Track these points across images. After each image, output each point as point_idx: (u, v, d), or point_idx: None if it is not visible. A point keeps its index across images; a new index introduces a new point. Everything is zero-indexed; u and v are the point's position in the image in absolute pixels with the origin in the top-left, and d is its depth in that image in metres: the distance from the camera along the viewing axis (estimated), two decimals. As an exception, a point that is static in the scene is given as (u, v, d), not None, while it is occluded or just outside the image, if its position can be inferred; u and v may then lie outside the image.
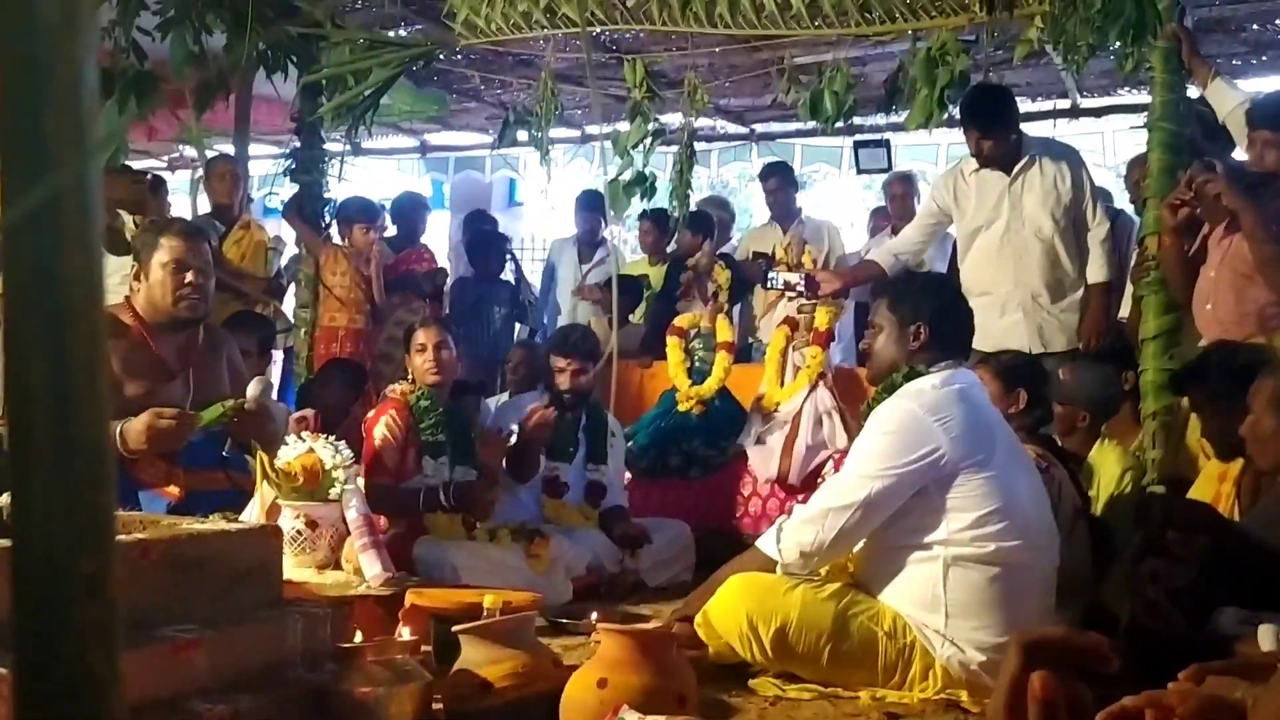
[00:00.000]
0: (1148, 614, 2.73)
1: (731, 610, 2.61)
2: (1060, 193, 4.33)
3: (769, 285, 4.95)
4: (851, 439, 4.46)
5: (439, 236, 7.57)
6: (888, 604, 2.61)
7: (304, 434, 2.80)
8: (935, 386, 2.65)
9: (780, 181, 6.70)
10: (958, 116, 4.55)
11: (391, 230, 6.49)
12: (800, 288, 4.84)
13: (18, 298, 0.28)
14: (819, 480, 4.15)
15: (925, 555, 2.56)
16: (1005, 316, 4.43)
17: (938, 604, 2.54)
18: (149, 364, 3.12)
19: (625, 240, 7.22)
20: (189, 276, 3.11)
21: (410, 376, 3.95)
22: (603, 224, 7.12)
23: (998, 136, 4.33)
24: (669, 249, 6.55)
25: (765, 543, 2.71)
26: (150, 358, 3.13)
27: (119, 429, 2.83)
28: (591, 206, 7.13)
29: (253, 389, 2.92)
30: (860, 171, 7.84)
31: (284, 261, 6.21)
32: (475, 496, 3.65)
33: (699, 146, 7.64)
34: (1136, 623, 2.75)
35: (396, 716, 1.94)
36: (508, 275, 6.98)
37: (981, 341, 4.50)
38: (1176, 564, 2.86)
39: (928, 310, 2.81)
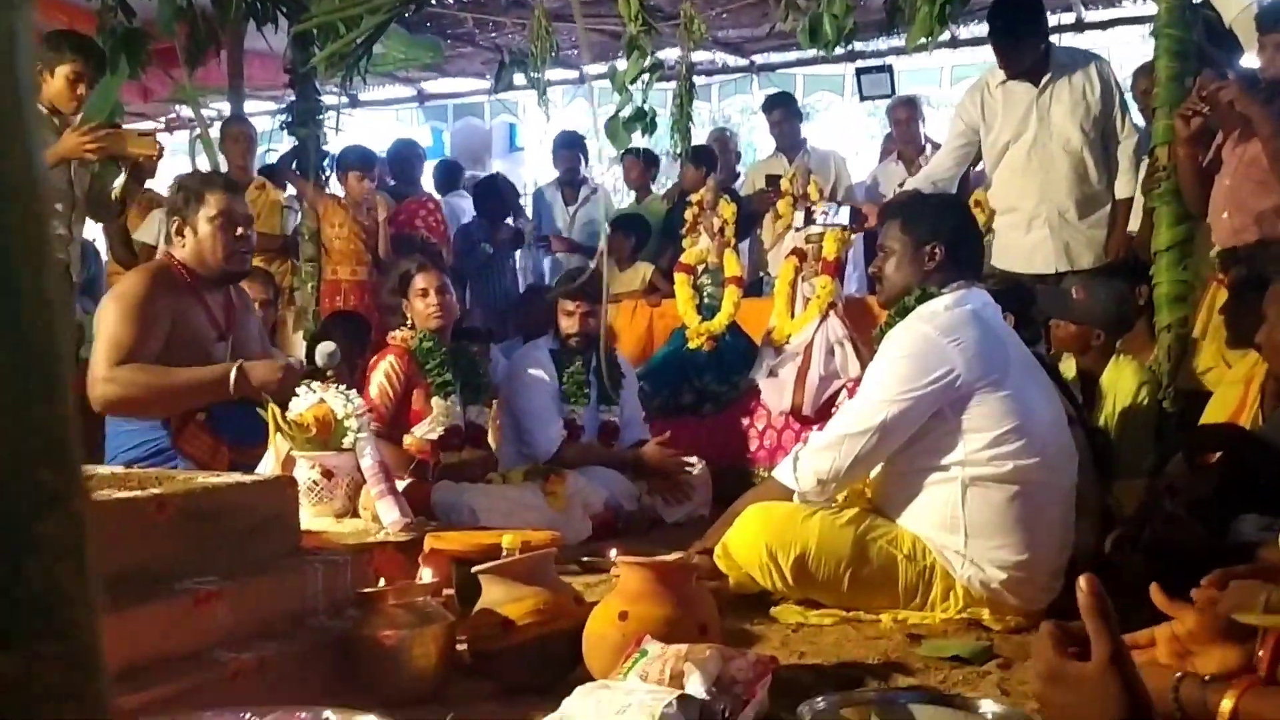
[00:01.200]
0: (1167, 527, 2.72)
1: (750, 541, 2.61)
2: (1089, 103, 4.27)
3: (815, 222, 4.90)
4: (864, 367, 4.45)
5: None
6: (906, 527, 2.61)
7: (314, 385, 2.79)
8: (948, 307, 2.62)
9: (784, 113, 6.62)
10: (959, 36, 4.47)
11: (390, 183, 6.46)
12: (845, 221, 4.82)
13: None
14: (833, 411, 4.13)
15: (943, 477, 2.55)
16: (1031, 233, 4.39)
17: (957, 525, 2.54)
18: (202, 321, 3.16)
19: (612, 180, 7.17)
20: (238, 230, 3.15)
21: (410, 322, 3.94)
22: (583, 163, 7.06)
23: (1025, 46, 4.25)
24: (654, 186, 6.51)
25: (782, 472, 2.70)
26: (204, 315, 3.18)
27: (235, 367, 2.95)
28: (570, 146, 7.07)
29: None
30: (864, 98, 7.73)
31: (297, 219, 6.19)
32: (473, 475, 3.67)
33: (699, 81, 7.52)
34: (1156, 536, 2.75)
35: (421, 658, 1.95)
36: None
37: (1006, 260, 4.50)
38: (1195, 477, 2.85)
39: (945, 230, 2.76)
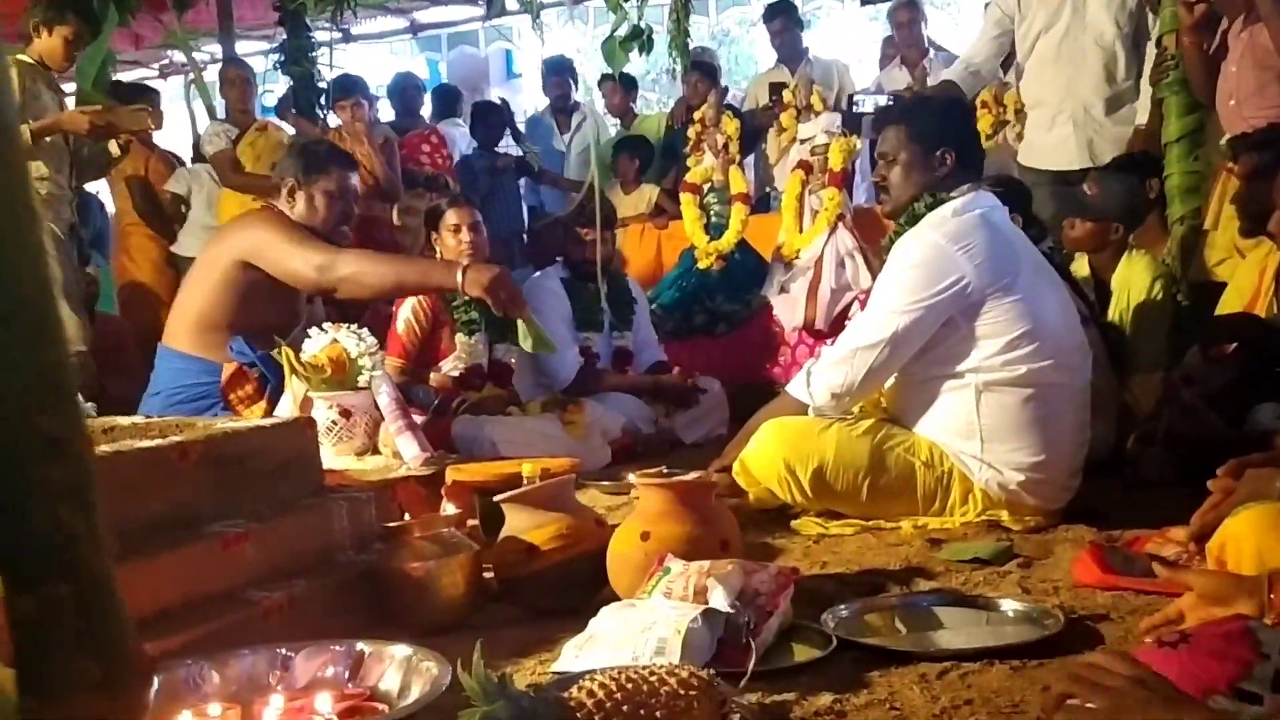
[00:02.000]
0: (1184, 418, 2.73)
1: (768, 456, 2.63)
2: None
3: (856, 107, 4.84)
4: (875, 278, 4.43)
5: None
6: (923, 435, 2.62)
7: (325, 326, 2.80)
8: (956, 212, 2.58)
9: (784, 22, 6.50)
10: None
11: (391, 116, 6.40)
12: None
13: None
14: (846, 323, 4.12)
15: (957, 384, 2.55)
16: (1055, 130, 4.34)
17: (973, 430, 2.54)
18: None
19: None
20: (347, 207, 3.40)
21: (439, 256, 3.93)
22: (574, 88, 6.97)
23: None
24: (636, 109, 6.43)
25: (795, 387, 2.70)
26: None
27: (462, 270, 3.08)
28: (559, 72, 6.98)
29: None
30: (864, 2, 7.58)
31: None
32: (492, 408, 3.69)
33: (695, -6, 7.37)
34: (1174, 428, 2.75)
35: (449, 587, 1.98)
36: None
37: (1031, 157, 4.45)
38: (1212, 367, 2.85)
39: (953, 133, 2.70)
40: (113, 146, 4.37)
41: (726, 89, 6.18)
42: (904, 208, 2.68)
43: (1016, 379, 2.51)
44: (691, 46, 7.15)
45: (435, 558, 1.99)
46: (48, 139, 4.15)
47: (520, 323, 2.95)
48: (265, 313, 3.17)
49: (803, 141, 5.19)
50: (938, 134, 2.67)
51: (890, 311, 2.55)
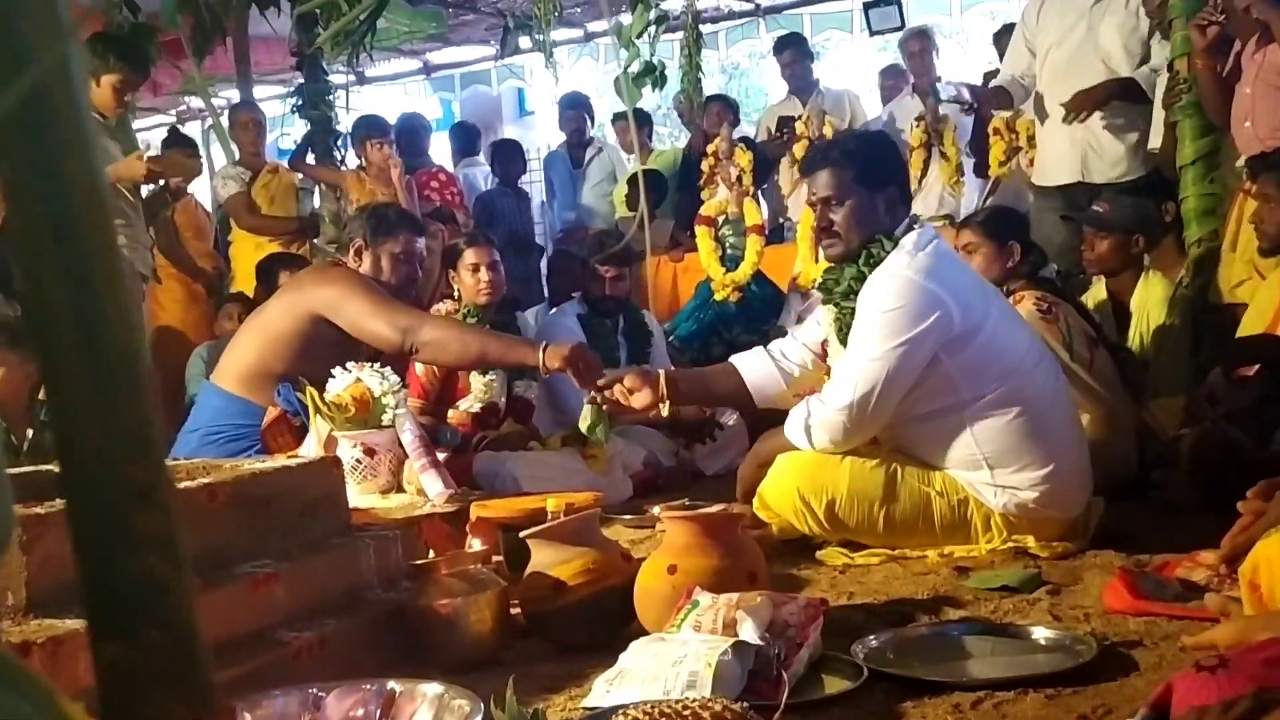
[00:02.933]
0: (1209, 439, 2.71)
1: (783, 487, 2.62)
2: (1140, 22, 4.23)
3: (941, 98, 4.83)
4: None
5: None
6: (933, 465, 2.60)
7: (350, 365, 2.82)
8: (918, 247, 2.53)
9: (794, 54, 6.55)
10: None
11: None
12: (966, 97, 4.84)
13: (22, 204, 0.28)
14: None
15: (950, 421, 2.52)
16: (1056, 143, 4.43)
17: (977, 460, 2.52)
18: (355, 343, 3.26)
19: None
20: (412, 272, 3.45)
21: (456, 294, 3.95)
22: (589, 124, 7.04)
23: None
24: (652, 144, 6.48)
25: (794, 434, 2.63)
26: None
27: (542, 348, 3.06)
28: (574, 107, 7.05)
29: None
30: (873, 33, 7.63)
31: (317, 201, 6.22)
32: (512, 444, 3.70)
33: (705, 29, 7.45)
34: (1198, 448, 2.74)
35: (477, 624, 1.98)
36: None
37: (1038, 175, 4.55)
38: (1235, 388, 2.84)
39: (893, 170, 2.71)
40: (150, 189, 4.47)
41: (737, 122, 6.24)
42: (855, 252, 2.59)
43: (1000, 401, 2.50)
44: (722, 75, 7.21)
45: (463, 594, 1.99)
46: (122, 189, 4.24)
47: (587, 405, 2.82)
48: (325, 367, 3.14)
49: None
50: (885, 173, 2.64)
51: (873, 359, 2.48)
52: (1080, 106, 4.23)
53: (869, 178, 2.60)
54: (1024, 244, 3.35)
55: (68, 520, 0.30)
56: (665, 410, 2.83)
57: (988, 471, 2.53)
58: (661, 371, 2.88)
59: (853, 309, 2.57)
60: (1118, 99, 4.26)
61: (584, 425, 2.81)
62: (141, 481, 0.30)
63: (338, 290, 3.25)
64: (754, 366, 2.90)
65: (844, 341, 2.61)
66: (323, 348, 3.18)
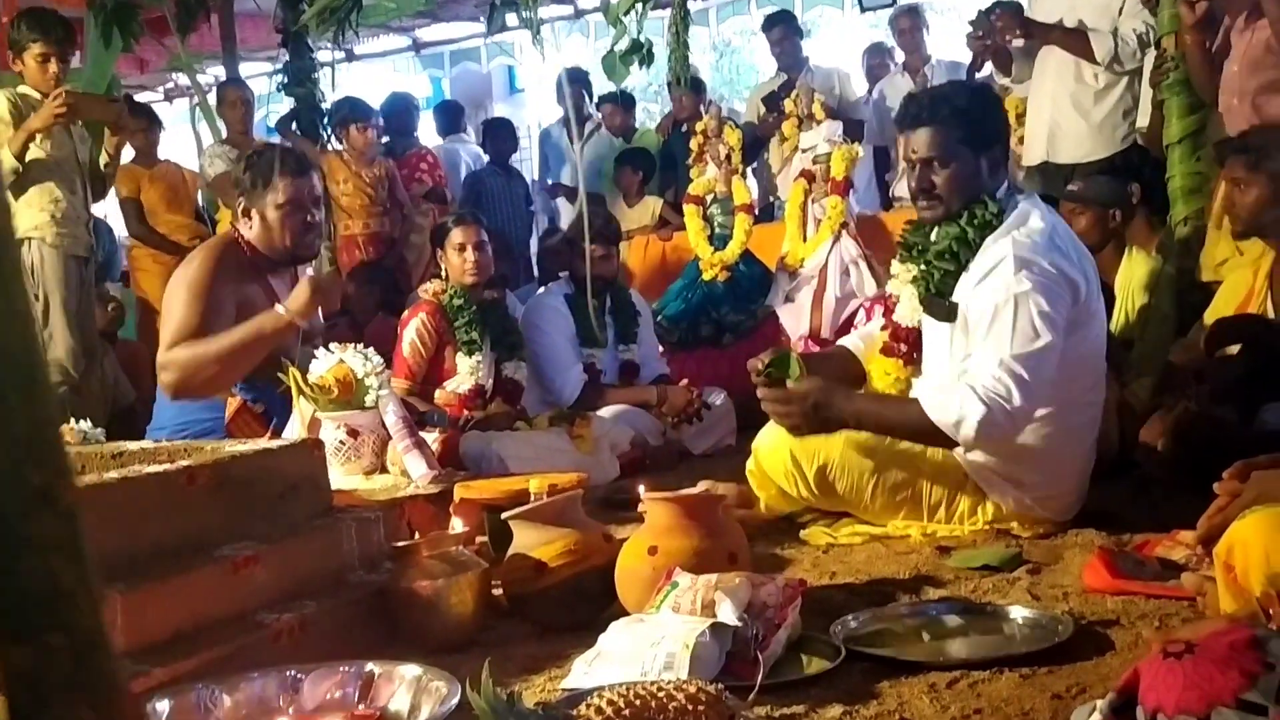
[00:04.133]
0: (1189, 417, 2.72)
1: (776, 447, 2.61)
2: (1127, 5, 4.24)
3: (976, 30, 4.73)
4: (880, 285, 4.42)
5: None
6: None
7: (333, 346, 2.81)
8: (1035, 217, 2.44)
9: (784, 31, 6.52)
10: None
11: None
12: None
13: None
14: (852, 328, 4.09)
15: None
16: (1030, 122, 4.45)
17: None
18: (265, 302, 3.10)
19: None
20: (308, 215, 3.11)
21: (444, 274, 3.94)
22: (587, 99, 7.01)
23: None
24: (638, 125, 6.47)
25: (939, 418, 2.34)
26: (265, 295, 3.12)
27: (278, 311, 2.89)
28: (574, 83, 7.01)
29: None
30: (864, 10, 7.60)
31: None
32: (499, 424, 3.69)
33: (694, 6, 7.41)
34: (1183, 425, 2.75)
35: (458, 605, 1.99)
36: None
37: (1025, 155, 4.57)
38: (1221, 366, 2.84)
39: (1000, 128, 2.59)
40: (102, 157, 4.38)
41: (712, 101, 6.20)
42: (955, 215, 2.48)
43: (1069, 401, 2.43)
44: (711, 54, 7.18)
45: (445, 575, 1.99)
46: (57, 160, 4.18)
47: (789, 354, 2.53)
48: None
49: (804, 151, 5.21)
50: (989, 133, 2.52)
51: (1032, 349, 2.30)
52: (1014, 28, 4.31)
53: (976, 138, 2.47)
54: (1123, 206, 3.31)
55: (-36, 526, 0.30)
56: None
57: (997, 460, 2.47)
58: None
59: (946, 270, 2.46)
60: (1060, 42, 4.27)
61: (791, 376, 2.44)
62: (40, 484, 0.29)
63: (172, 287, 3.07)
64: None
65: (930, 302, 2.49)
66: (221, 328, 2.99)
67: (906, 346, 2.63)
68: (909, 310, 2.60)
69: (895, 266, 2.70)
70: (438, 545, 2.07)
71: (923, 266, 2.54)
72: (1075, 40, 4.27)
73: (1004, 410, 2.28)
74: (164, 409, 3.20)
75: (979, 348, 2.38)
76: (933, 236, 2.55)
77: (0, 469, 0.28)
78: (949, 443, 2.40)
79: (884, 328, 2.70)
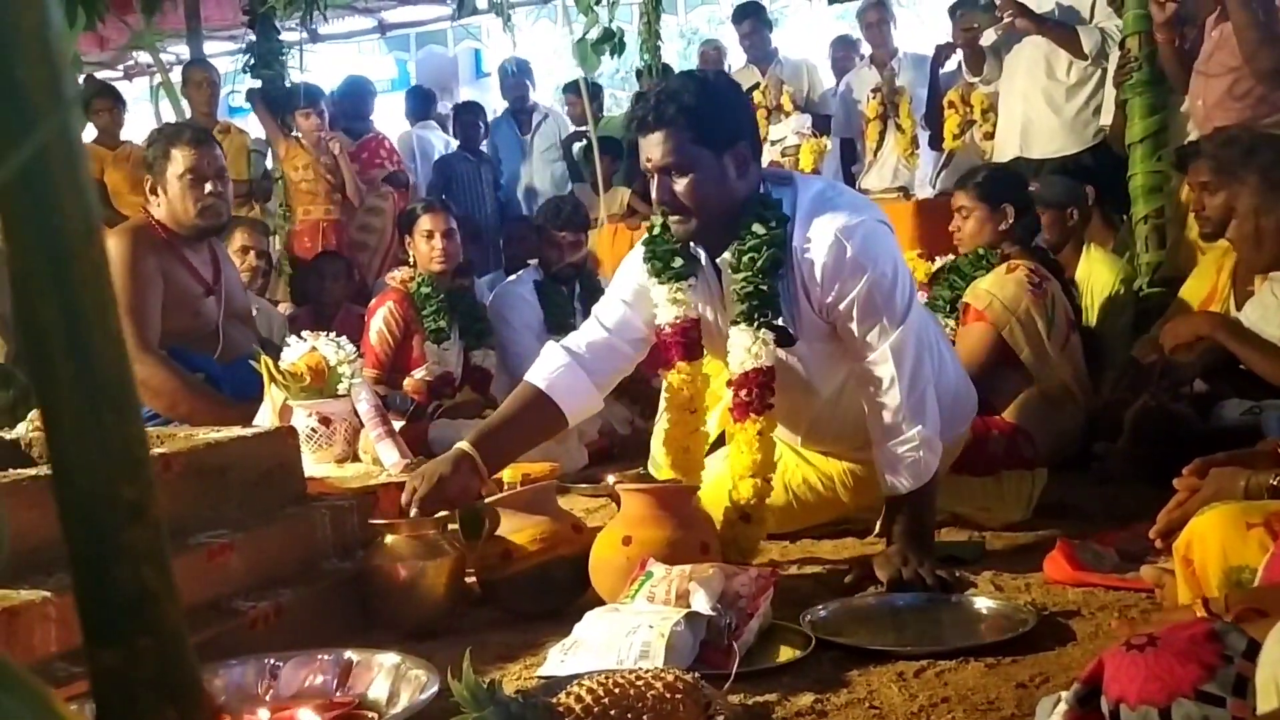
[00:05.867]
0: (1149, 412, 2.79)
1: (718, 484, 2.37)
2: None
3: (971, 21, 4.73)
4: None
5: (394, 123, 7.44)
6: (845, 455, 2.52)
7: (304, 334, 2.81)
8: (812, 183, 2.34)
9: (753, 23, 6.54)
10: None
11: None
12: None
13: (22, 252, 0.29)
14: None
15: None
16: (1001, 120, 4.52)
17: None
18: (186, 278, 3.10)
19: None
20: (207, 186, 3.06)
21: (412, 261, 3.94)
22: (531, 89, 7.02)
23: None
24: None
25: (913, 482, 2.20)
26: (187, 271, 3.12)
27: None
28: (516, 74, 7.02)
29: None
30: (831, 2, 7.64)
31: (270, 164, 6.13)
32: (469, 412, 3.68)
33: (664, -6, 7.37)
34: (1140, 422, 2.82)
35: (432, 589, 2.00)
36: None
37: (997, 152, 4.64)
38: (1182, 363, 2.91)
39: (736, 122, 2.24)
40: None
41: None
42: (715, 225, 2.20)
43: None
44: (701, 42, 7.17)
45: (418, 558, 2.00)
46: None
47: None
48: (166, 321, 3.02)
49: (774, 143, 5.24)
50: (727, 130, 2.18)
51: (907, 343, 2.17)
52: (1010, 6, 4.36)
53: (713, 137, 2.15)
54: (1019, 207, 3.29)
55: (64, 536, 0.31)
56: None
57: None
58: (465, 448, 2.22)
59: (770, 284, 2.17)
60: (1051, 34, 4.34)
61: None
62: (132, 498, 0.31)
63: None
64: (569, 388, 2.33)
65: (756, 316, 2.18)
66: (156, 307, 2.99)
67: (754, 392, 2.20)
68: (751, 352, 2.18)
69: (655, 293, 2.31)
70: (419, 527, 2.08)
71: (740, 287, 2.19)
72: (1064, 33, 4.33)
73: (921, 391, 2.18)
74: None
75: (862, 342, 2.17)
76: (732, 257, 2.20)
77: (97, 484, 0.30)
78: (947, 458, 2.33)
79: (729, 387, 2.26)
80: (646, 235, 2.35)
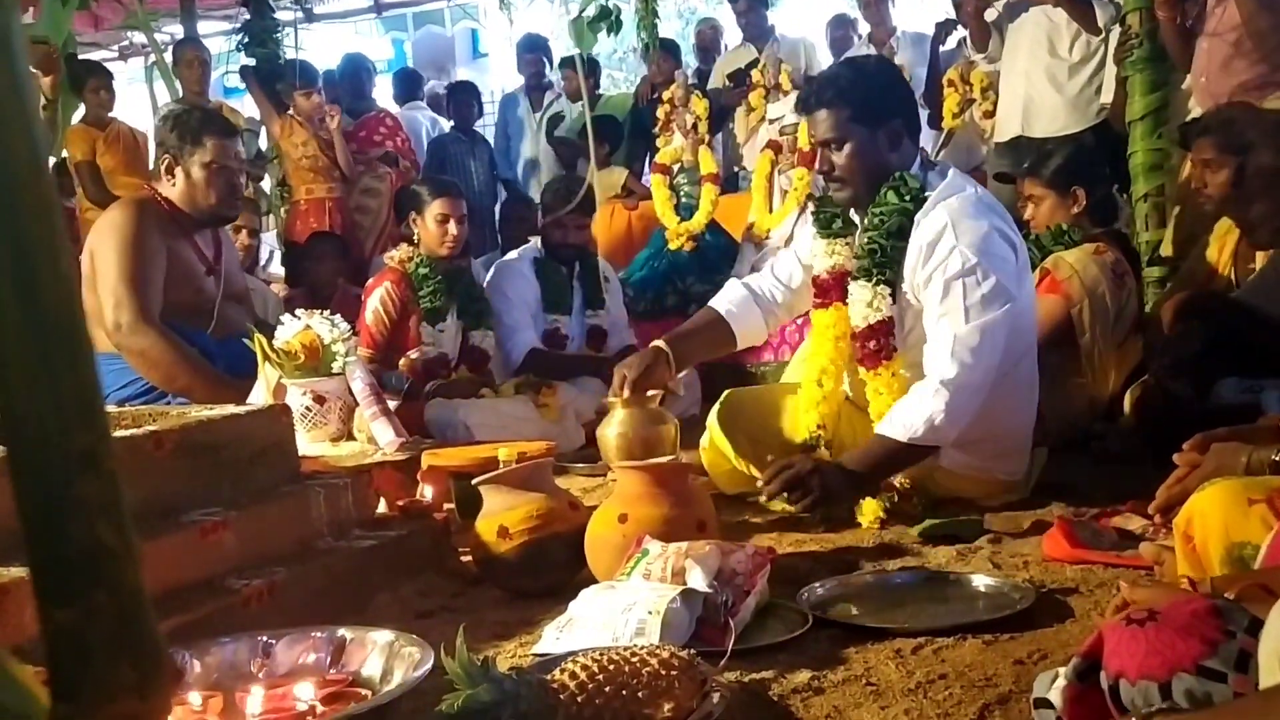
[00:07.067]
0: (1149, 390, 2.77)
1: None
2: None
3: None
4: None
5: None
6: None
7: (299, 312, 2.80)
8: (964, 183, 2.50)
9: (750, 1, 6.49)
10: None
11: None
12: None
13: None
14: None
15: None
16: (1003, 99, 4.54)
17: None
18: (190, 255, 3.16)
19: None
20: (232, 177, 3.18)
21: (416, 239, 3.89)
22: (547, 66, 6.95)
23: None
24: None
25: (912, 433, 2.36)
26: (191, 249, 3.18)
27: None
28: (533, 49, 6.95)
29: None
30: (830, -19, 7.58)
31: (263, 143, 6.10)
32: (465, 391, 3.67)
33: (662, -29, 7.32)
34: (1140, 401, 2.81)
35: (661, 444, 2.05)
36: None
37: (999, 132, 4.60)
38: (1182, 339, 2.90)
39: (891, 102, 2.54)
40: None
41: (680, 69, 6.19)
42: (868, 191, 2.48)
43: (1012, 370, 2.46)
44: (699, 20, 7.09)
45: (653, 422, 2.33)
46: None
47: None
48: (167, 295, 3.04)
49: (771, 121, 5.21)
50: (881, 109, 2.48)
51: (987, 324, 2.32)
52: None
53: (869, 115, 2.46)
54: (1090, 189, 3.28)
55: (14, 488, 0.30)
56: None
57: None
58: (662, 345, 2.62)
59: (893, 246, 2.42)
60: (1067, 5, 4.30)
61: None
62: (85, 448, 0.30)
63: (100, 238, 3.04)
64: (743, 316, 2.74)
65: (875, 273, 2.43)
66: (158, 281, 3.01)
67: (880, 341, 2.46)
68: (873, 306, 2.45)
69: (796, 248, 2.75)
70: (643, 402, 2.08)
71: (865, 244, 2.47)
72: (1078, 7, 4.29)
73: (965, 390, 2.32)
74: (106, 378, 3.13)
75: (933, 327, 2.38)
76: (864, 219, 2.50)
77: (48, 433, 0.28)
78: (934, 449, 2.40)
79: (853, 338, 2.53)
80: (819, 197, 2.71)
